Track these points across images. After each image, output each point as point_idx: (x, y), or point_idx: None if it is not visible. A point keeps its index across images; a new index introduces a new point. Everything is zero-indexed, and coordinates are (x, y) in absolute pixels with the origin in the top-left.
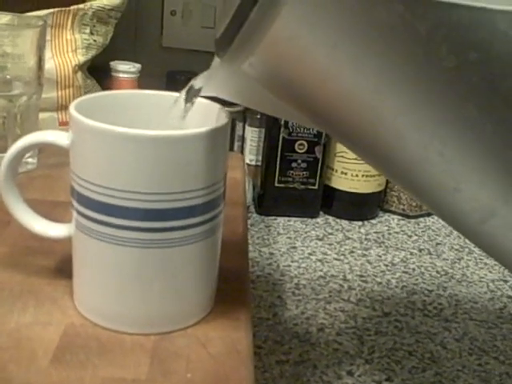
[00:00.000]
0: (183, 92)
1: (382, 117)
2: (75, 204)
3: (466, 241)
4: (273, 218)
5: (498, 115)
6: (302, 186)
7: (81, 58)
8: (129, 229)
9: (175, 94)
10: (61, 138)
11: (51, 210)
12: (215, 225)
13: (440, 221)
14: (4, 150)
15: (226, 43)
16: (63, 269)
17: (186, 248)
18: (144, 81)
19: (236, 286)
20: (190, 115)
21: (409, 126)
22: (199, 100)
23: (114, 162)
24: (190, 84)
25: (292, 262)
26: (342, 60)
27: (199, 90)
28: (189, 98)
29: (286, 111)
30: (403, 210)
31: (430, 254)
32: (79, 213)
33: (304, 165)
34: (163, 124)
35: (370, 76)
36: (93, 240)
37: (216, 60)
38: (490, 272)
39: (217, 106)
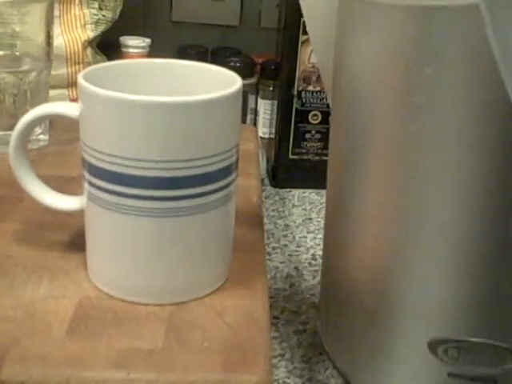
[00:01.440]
0: None
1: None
2: (87, 175)
3: None
4: (287, 190)
5: None
6: (317, 158)
7: (90, 33)
8: (142, 198)
9: (184, 62)
10: (70, 108)
11: (64, 186)
12: (229, 193)
13: None
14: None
15: None
16: (77, 242)
17: (200, 216)
18: (154, 56)
19: (252, 256)
20: (201, 81)
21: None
22: (210, 67)
23: (124, 130)
24: None
25: (308, 233)
26: None
27: None
28: None
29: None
30: None
31: None
32: (91, 184)
33: (318, 136)
34: (173, 92)
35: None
36: (105, 211)
37: None
38: None
39: (228, 72)
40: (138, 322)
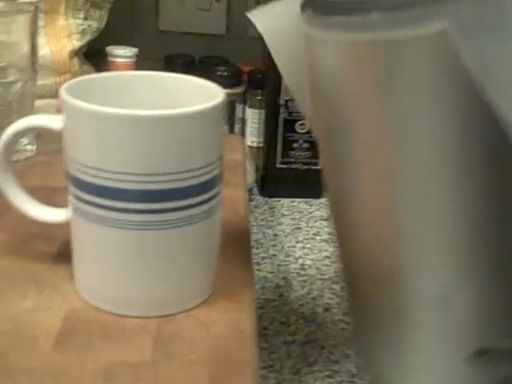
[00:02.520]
0: None
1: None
2: (71, 188)
3: None
4: (276, 199)
5: None
6: (305, 167)
7: (76, 43)
8: (126, 211)
9: (168, 74)
10: (53, 121)
11: (50, 196)
12: (214, 205)
13: None
14: None
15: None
16: (64, 254)
17: (185, 229)
18: (142, 65)
19: (238, 267)
20: (186, 93)
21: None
22: (194, 79)
23: (107, 143)
24: None
25: (297, 242)
26: None
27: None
28: None
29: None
30: None
31: None
32: (76, 196)
33: (306, 145)
34: (157, 105)
35: None
36: (90, 224)
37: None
38: None
39: (212, 85)
40: (124, 335)
